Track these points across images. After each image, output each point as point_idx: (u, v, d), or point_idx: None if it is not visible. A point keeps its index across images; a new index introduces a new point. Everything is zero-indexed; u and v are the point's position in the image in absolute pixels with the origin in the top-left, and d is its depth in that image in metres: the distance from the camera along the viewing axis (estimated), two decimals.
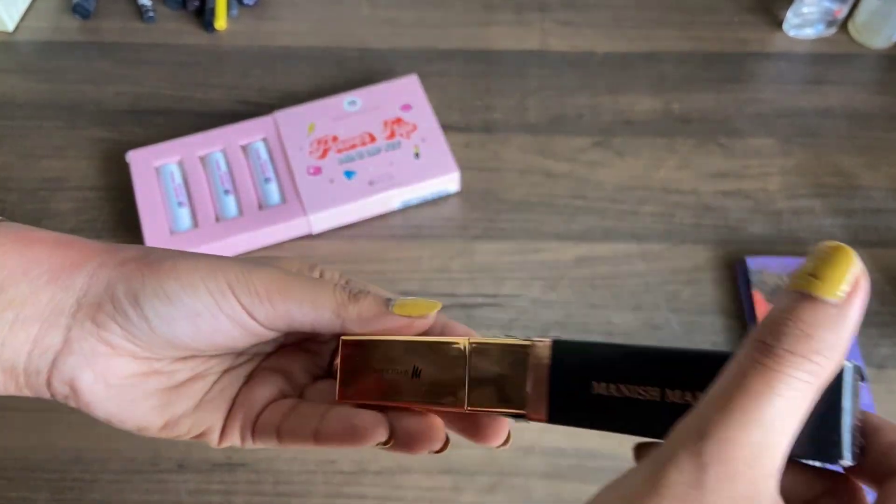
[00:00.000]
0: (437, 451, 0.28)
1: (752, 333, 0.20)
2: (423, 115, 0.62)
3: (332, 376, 0.31)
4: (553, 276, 0.58)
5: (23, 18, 0.72)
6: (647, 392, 0.21)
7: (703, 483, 0.18)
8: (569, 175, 0.63)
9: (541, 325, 0.56)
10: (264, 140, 0.62)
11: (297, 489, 0.50)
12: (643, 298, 0.57)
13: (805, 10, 0.69)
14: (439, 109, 0.65)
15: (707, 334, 0.56)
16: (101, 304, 0.27)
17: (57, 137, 0.65)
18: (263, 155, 0.61)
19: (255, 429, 0.30)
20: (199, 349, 0.28)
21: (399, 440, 0.27)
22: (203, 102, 0.67)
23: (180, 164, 0.61)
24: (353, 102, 0.63)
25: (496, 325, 0.56)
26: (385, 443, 0.27)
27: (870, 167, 0.64)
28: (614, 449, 0.52)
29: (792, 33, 0.71)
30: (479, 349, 0.25)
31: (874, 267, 0.59)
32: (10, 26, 0.71)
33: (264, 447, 0.30)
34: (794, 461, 0.19)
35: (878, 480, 0.20)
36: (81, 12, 0.71)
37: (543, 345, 0.24)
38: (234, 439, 0.30)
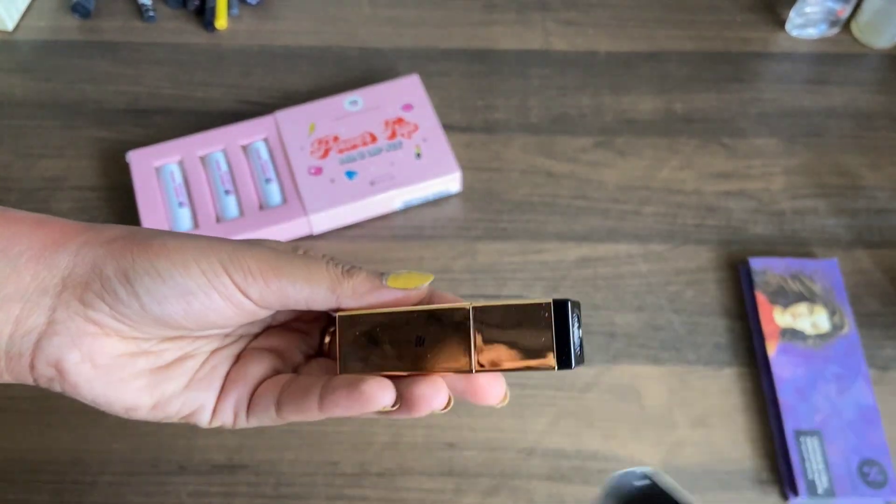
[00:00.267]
0: (442, 410, 0.28)
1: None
2: (425, 115, 0.62)
3: (325, 354, 0.31)
4: (555, 276, 0.58)
5: (22, 18, 0.72)
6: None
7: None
8: (571, 175, 0.63)
9: None
10: (265, 140, 0.62)
11: (298, 491, 0.50)
12: (645, 299, 0.57)
13: (808, 9, 0.69)
14: (441, 109, 0.65)
15: (710, 335, 0.56)
16: (89, 283, 0.26)
17: (56, 137, 0.65)
18: (264, 155, 0.61)
19: (250, 405, 0.30)
20: (190, 328, 0.28)
21: (404, 403, 0.27)
22: (203, 102, 0.67)
23: (181, 164, 0.60)
24: (354, 102, 0.63)
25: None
26: (391, 407, 0.27)
27: (873, 167, 0.63)
28: (615, 450, 0.52)
29: (795, 33, 0.71)
30: (482, 311, 0.27)
31: (877, 268, 0.59)
32: (10, 25, 0.70)
33: (258, 425, 0.30)
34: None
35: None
36: (81, 11, 0.71)
37: (544, 303, 0.26)
38: (225, 418, 0.30)
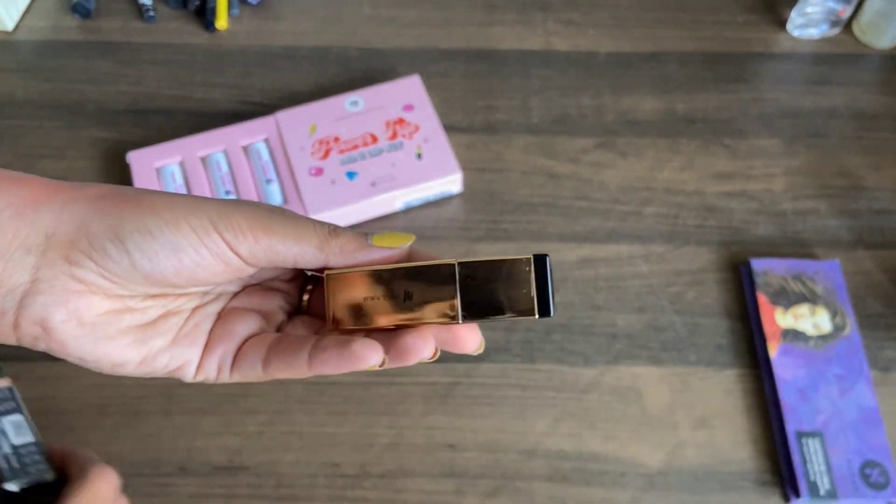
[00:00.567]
0: (430, 359, 0.29)
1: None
2: (426, 116, 0.62)
3: (305, 312, 0.32)
4: (556, 277, 0.58)
5: (23, 18, 0.72)
6: None
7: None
8: (572, 176, 0.63)
9: (543, 326, 0.56)
10: (266, 140, 0.61)
11: (298, 493, 0.50)
12: (647, 300, 0.57)
13: (809, 9, 0.69)
14: (441, 110, 0.65)
15: (711, 336, 0.56)
16: (75, 241, 0.26)
17: (57, 137, 0.65)
18: (265, 155, 0.61)
19: (235, 361, 0.30)
20: (179, 284, 0.28)
21: (394, 354, 0.29)
22: (204, 102, 0.67)
23: (181, 164, 0.60)
24: (355, 103, 0.63)
25: (498, 326, 0.56)
26: (378, 367, 0.29)
27: (875, 168, 0.63)
28: (616, 452, 0.51)
29: (796, 33, 0.71)
30: (467, 266, 0.29)
31: (879, 269, 0.58)
32: (10, 25, 0.70)
33: (241, 380, 0.30)
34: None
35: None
36: (81, 11, 0.71)
37: (525, 258, 0.29)
38: (209, 373, 0.30)
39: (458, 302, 0.29)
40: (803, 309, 0.55)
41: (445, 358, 0.55)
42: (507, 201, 0.61)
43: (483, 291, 0.29)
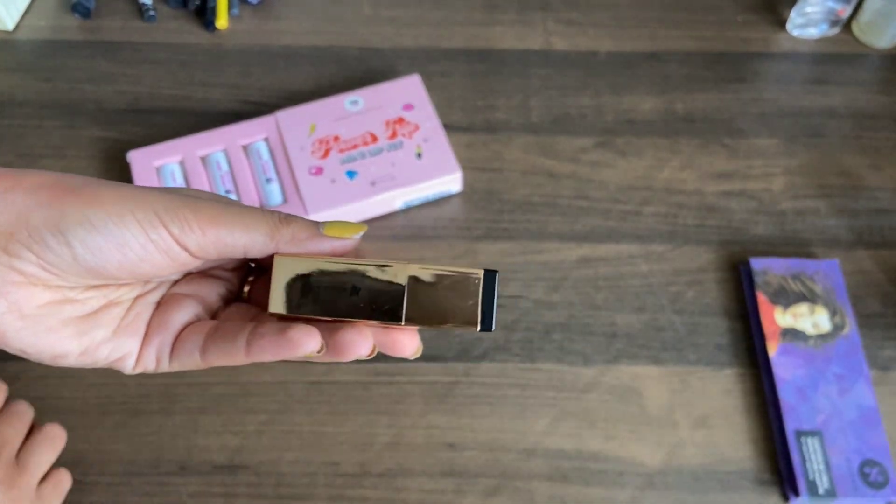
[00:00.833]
0: (367, 357, 0.29)
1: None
2: (426, 115, 0.62)
3: (245, 300, 0.32)
4: (556, 277, 0.58)
5: (23, 17, 0.72)
6: None
7: None
8: (571, 175, 0.63)
9: (543, 326, 0.56)
10: (266, 140, 0.62)
11: (298, 492, 0.50)
12: (646, 300, 0.57)
13: (809, 9, 0.69)
14: (441, 109, 0.65)
15: (711, 336, 0.56)
16: (13, 232, 0.26)
17: (57, 137, 0.65)
18: (265, 155, 0.61)
19: (173, 349, 0.30)
20: (122, 278, 0.28)
21: (331, 348, 0.28)
22: (204, 102, 0.67)
23: (181, 164, 0.60)
24: (354, 102, 0.63)
25: (498, 327, 0.56)
26: (317, 353, 0.28)
27: (874, 167, 0.63)
28: (616, 451, 0.52)
29: (795, 33, 0.71)
30: (419, 271, 0.29)
31: (878, 268, 0.58)
32: (10, 25, 0.70)
33: (180, 369, 0.30)
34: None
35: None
36: (81, 11, 0.71)
37: (476, 273, 0.29)
38: (148, 364, 0.30)
39: (403, 305, 0.28)
40: (803, 308, 0.55)
41: (445, 357, 0.55)
42: (506, 201, 0.62)
43: (430, 298, 0.29)
